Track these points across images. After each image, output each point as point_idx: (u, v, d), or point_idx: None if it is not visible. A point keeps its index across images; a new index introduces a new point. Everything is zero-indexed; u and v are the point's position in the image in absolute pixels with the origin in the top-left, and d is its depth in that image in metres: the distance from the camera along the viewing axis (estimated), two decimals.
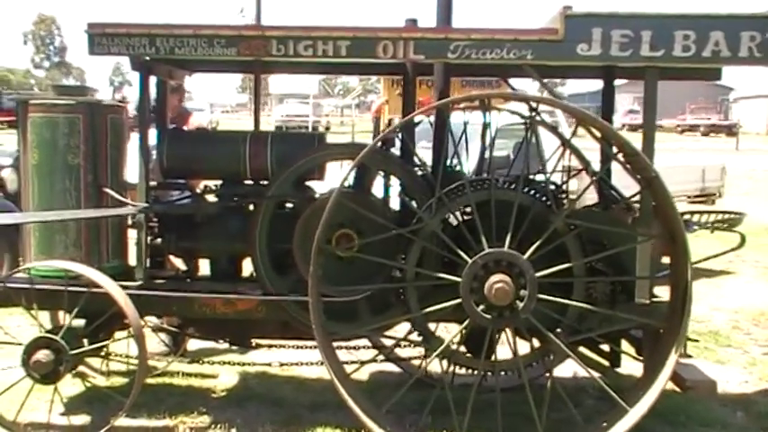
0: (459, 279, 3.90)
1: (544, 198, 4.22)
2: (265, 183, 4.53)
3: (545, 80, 4.29)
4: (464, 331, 4.17)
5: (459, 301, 3.92)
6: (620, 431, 3.91)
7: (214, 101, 52.82)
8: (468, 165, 5.03)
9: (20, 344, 4.26)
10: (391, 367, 5.33)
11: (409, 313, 4.20)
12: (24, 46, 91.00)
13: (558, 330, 4.14)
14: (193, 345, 5.79)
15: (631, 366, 4.72)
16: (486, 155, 4.99)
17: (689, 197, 9.34)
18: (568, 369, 5.09)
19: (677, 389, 4.39)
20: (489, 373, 4.40)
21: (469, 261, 3.89)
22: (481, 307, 3.89)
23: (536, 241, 3.88)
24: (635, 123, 40.53)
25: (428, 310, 4.09)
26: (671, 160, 11.58)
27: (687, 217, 4.94)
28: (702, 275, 8.89)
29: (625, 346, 4.68)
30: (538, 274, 3.86)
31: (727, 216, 4.98)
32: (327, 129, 42.71)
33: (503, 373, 4.66)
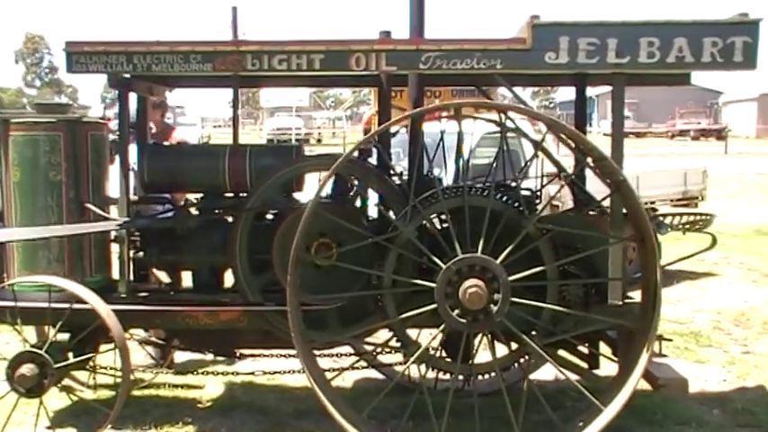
0: (433, 285, 3.98)
1: (517, 204, 4.30)
2: (245, 195, 4.61)
3: (516, 89, 4.39)
4: (441, 336, 4.24)
5: (434, 306, 3.99)
6: (596, 429, 3.99)
7: (206, 115, 52.80)
8: (449, 173, 5.12)
9: (5, 359, 4.32)
10: (375, 374, 5.40)
11: (387, 320, 4.27)
12: (16, 65, 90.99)
13: (533, 333, 4.22)
14: (181, 357, 5.86)
15: (612, 368, 4.80)
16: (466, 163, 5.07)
17: (672, 201, 9.43)
18: (549, 372, 5.17)
19: (650, 387, 4.46)
20: (470, 377, 4.48)
21: (443, 267, 3.97)
22: (456, 311, 3.97)
23: (510, 246, 3.96)
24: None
25: (405, 315, 4.17)
26: (654, 165, 11.72)
27: (660, 219, 5.03)
28: (686, 277, 9.01)
29: (604, 348, 4.76)
30: (511, 278, 3.94)
31: (698, 218, 5.07)
32: (319, 141, 42.88)
33: (484, 376, 4.75)
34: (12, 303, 4.31)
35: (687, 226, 5.07)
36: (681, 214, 5.19)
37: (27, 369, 4.22)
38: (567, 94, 64.27)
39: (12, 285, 4.38)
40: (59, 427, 4.64)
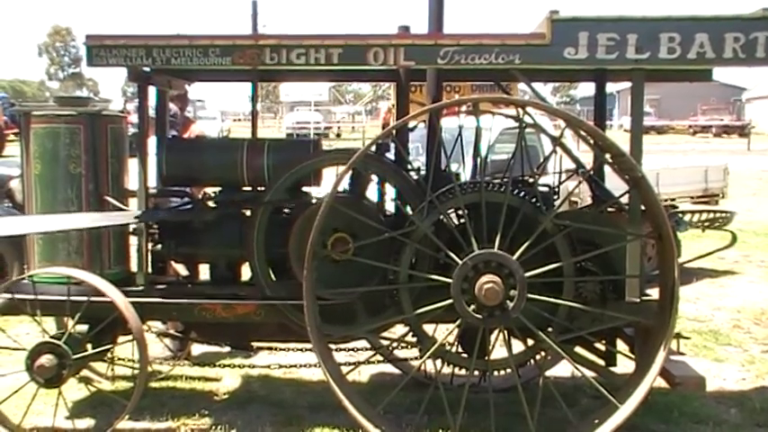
0: (449, 280, 3.97)
1: (534, 199, 4.29)
2: (262, 189, 4.62)
3: (535, 84, 4.37)
4: (457, 331, 4.24)
5: (451, 301, 3.99)
6: (611, 427, 3.97)
7: (225, 109, 53.08)
8: (467, 168, 5.11)
9: (25, 349, 4.36)
10: (390, 368, 5.41)
11: (403, 314, 4.27)
12: (39, 58, 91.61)
13: (550, 329, 4.21)
14: (198, 349, 5.90)
15: (628, 365, 4.77)
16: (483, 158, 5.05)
17: (692, 198, 9.36)
18: (566, 369, 5.15)
19: (667, 385, 4.43)
20: (486, 373, 4.47)
21: (460, 262, 3.96)
22: (472, 307, 3.96)
23: (526, 242, 3.95)
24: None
25: (421, 311, 4.17)
26: (675, 161, 11.63)
27: (679, 216, 5.00)
28: (706, 275, 8.95)
29: (621, 345, 4.74)
30: (527, 274, 3.93)
31: (718, 215, 5.03)
32: (338, 135, 42.91)
33: (500, 372, 4.74)
34: (31, 295, 4.35)
35: (707, 223, 5.03)
36: (701, 211, 5.16)
37: (46, 360, 4.26)
38: (587, 90, 63.88)
39: (31, 277, 4.42)
40: (78, 418, 4.68)
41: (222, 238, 4.70)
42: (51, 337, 4.38)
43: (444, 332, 4.29)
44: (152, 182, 4.75)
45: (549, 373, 4.83)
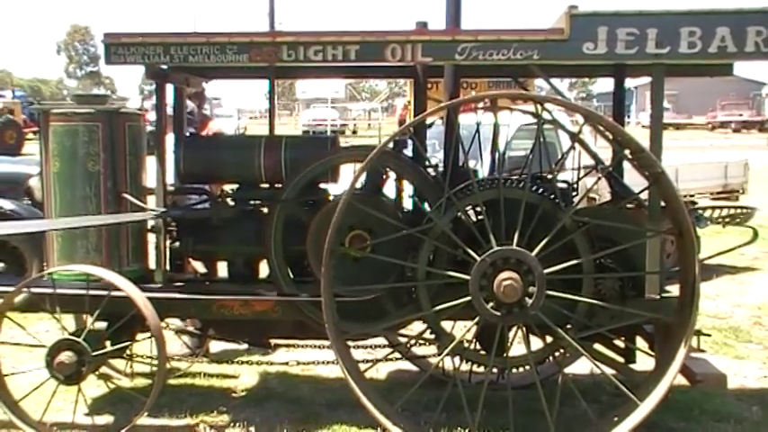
0: (468, 277, 3.96)
1: (552, 196, 4.26)
2: (280, 186, 4.62)
3: (553, 80, 4.34)
4: (475, 328, 4.22)
5: (469, 298, 3.98)
6: (631, 425, 3.95)
7: (242, 107, 53.18)
8: (485, 165, 5.09)
9: (44, 346, 4.39)
10: (408, 365, 5.40)
11: (421, 312, 4.26)
12: (57, 56, 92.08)
13: (569, 326, 4.19)
14: (216, 346, 5.92)
15: (648, 362, 4.74)
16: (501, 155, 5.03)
17: (712, 194, 9.29)
18: (585, 366, 5.11)
19: (687, 383, 4.39)
20: (504, 370, 4.46)
21: (478, 259, 3.94)
22: (491, 304, 3.94)
23: (545, 239, 3.93)
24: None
25: (439, 308, 4.15)
26: (694, 157, 11.54)
27: (699, 212, 4.95)
28: (726, 272, 8.87)
29: (640, 342, 4.70)
30: (546, 271, 3.90)
31: (738, 211, 4.98)
32: (354, 132, 42.95)
33: (519, 369, 4.72)
34: (51, 291, 4.37)
35: (727, 219, 4.97)
36: (721, 207, 5.10)
37: (66, 357, 4.28)
38: (605, 85, 63.57)
39: (51, 274, 4.44)
40: (97, 414, 4.71)
41: (240, 235, 4.71)
42: (71, 334, 4.40)
43: (462, 329, 4.28)
44: (170, 179, 4.76)
45: (567, 370, 4.80)
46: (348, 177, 4.22)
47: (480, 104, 5.38)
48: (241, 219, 4.71)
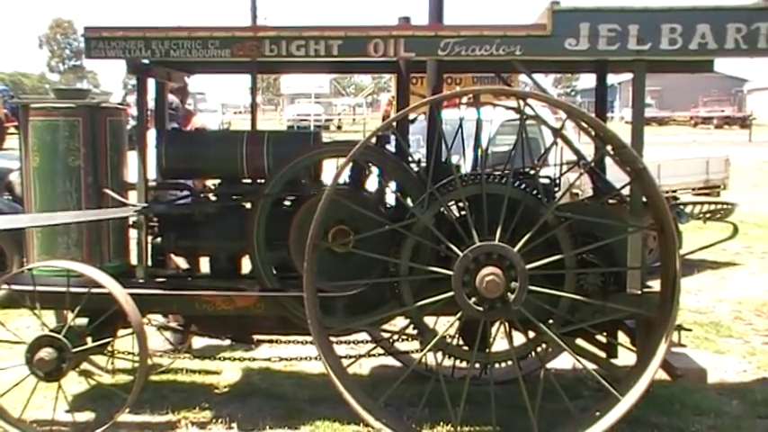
0: (450, 272, 3.96)
1: (535, 191, 4.27)
2: (262, 181, 4.60)
3: (536, 76, 4.35)
4: (458, 324, 4.22)
5: (451, 294, 3.98)
6: (612, 419, 3.97)
7: (227, 102, 52.97)
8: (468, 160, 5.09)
9: (24, 343, 4.35)
10: (391, 361, 5.40)
11: (404, 307, 4.26)
12: (40, 50, 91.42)
13: (551, 322, 4.20)
14: (198, 342, 5.89)
15: (630, 357, 4.76)
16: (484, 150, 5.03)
17: (693, 189, 9.35)
18: (567, 361, 5.14)
19: (668, 377, 4.43)
20: (487, 365, 4.47)
21: (460, 255, 3.95)
22: (473, 299, 3.95)
23: (527, 234, 3.94)
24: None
25: (422, 303, 4.15)
26: (676, 153, 11.61)
27: (680, 208, 4.98)
28: (707, 267, 8.94)
29: (622, 337, 4.72)
30: (528, 267, 3.91)
31: (719, 207, 5.01)
32: (339, 128, 42.88)
33: (501, 365, 4.73)
34: (31, 288, 4.34)
35: (708, 215, 5.01)
36: (702, 203, 5.13)
37: (46, 353, 4.25)
38: (589, 81, 63.80)
39: (31, 270, 4.40)
40: (78, 411, 4.68)
41: (222, 230, 4.69)
42: (51, 331, 4.37)
43: (445, 325, 4.28)
44: (152, 174, 4.73)
45: (550, 365, 4.82)
46: (331, 172, 4.21)
47: (464, 100, 5.37)
48: (223, 214, 4.69)
